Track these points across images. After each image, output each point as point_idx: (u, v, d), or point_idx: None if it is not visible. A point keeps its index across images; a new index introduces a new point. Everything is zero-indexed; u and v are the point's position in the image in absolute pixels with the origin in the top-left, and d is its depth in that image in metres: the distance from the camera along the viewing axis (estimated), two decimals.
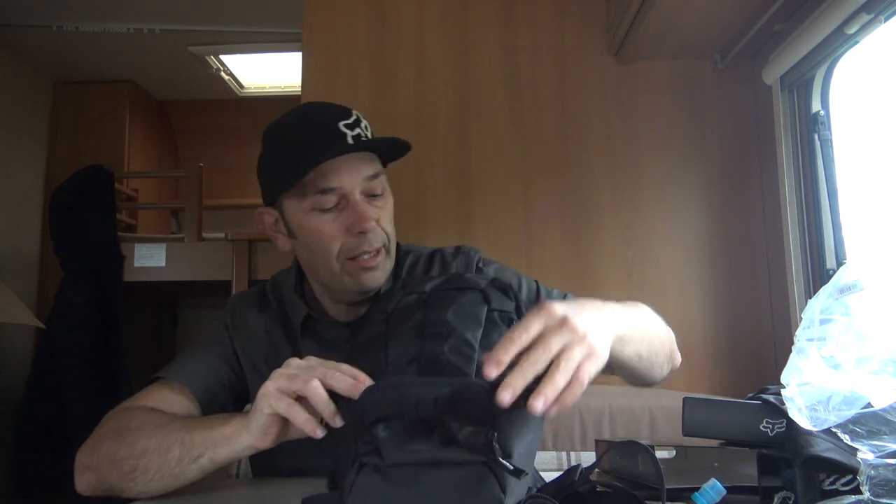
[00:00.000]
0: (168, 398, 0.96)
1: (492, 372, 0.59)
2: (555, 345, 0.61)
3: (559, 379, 0.60)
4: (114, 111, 3.30)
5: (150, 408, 0.94)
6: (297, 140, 0.97)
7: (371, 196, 1.00)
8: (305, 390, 0.70)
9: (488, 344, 0.68)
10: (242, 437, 0.77)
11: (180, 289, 3.31)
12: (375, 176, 1.00)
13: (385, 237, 1.01)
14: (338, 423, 0.68)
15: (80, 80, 3.27)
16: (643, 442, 0.72)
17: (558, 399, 0.60)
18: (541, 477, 0.74)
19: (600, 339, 0.65)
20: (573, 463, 0.73)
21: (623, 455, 0.80)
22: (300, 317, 1.04)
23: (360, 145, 0.97)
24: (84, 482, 0.86)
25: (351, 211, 0.97)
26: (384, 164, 1.04)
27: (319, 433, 0.70)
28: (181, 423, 0.83)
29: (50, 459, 2.61)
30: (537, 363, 0.60)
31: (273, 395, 0.72)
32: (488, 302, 0.76)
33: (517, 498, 0.60)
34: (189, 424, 0.83)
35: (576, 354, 0.62)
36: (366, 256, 0.98)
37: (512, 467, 0.56)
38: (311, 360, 0.74)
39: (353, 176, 0.98)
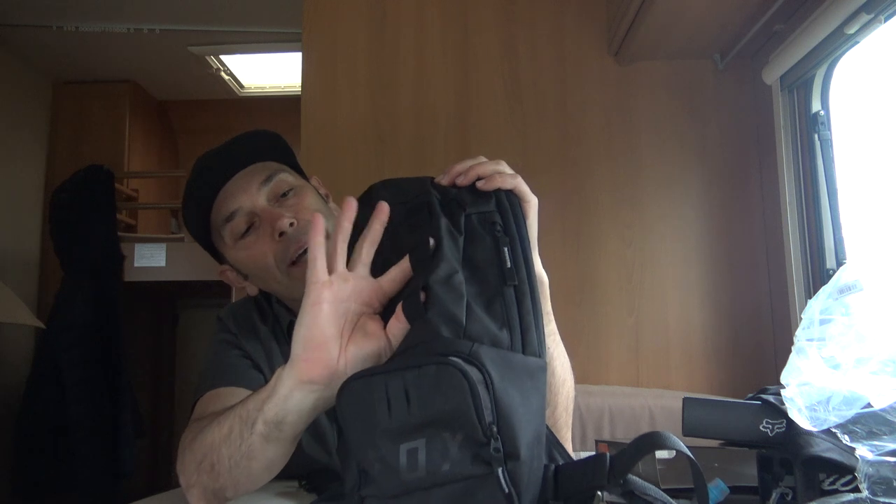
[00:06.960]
0: (224, 398, 0.89)
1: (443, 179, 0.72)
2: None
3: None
4: (114, 111, 3.29)
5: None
6: (186, 198, 1.05)
7: (281, 198, 1.01)
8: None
9: (472, 256, 0.66)
10: (283, 376, 0.67)
11: (180, 289, 3.31)
12: (270, 178, 1.01)
13: None
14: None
15: (80, 80, 3.26)
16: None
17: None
18: (564, 452, 0.65)
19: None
20: None
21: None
22: (286, 322, 1.05)
23: (208, 160, 1.02)
24: (195, 500, 0.79)
25: (263, 221, 0.98)
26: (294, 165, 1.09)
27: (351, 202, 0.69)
28: (239, 403, 0.76)
29: (50, 459, 2.61)
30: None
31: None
32: (462, 207, 0.69)
33: (533, 482, 0.56)
34: (245, 399, 0.75)
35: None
36: (304, 255, 0.94)
37: (507, 490, 0.52)
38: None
39: (246, 190, 0.99)
